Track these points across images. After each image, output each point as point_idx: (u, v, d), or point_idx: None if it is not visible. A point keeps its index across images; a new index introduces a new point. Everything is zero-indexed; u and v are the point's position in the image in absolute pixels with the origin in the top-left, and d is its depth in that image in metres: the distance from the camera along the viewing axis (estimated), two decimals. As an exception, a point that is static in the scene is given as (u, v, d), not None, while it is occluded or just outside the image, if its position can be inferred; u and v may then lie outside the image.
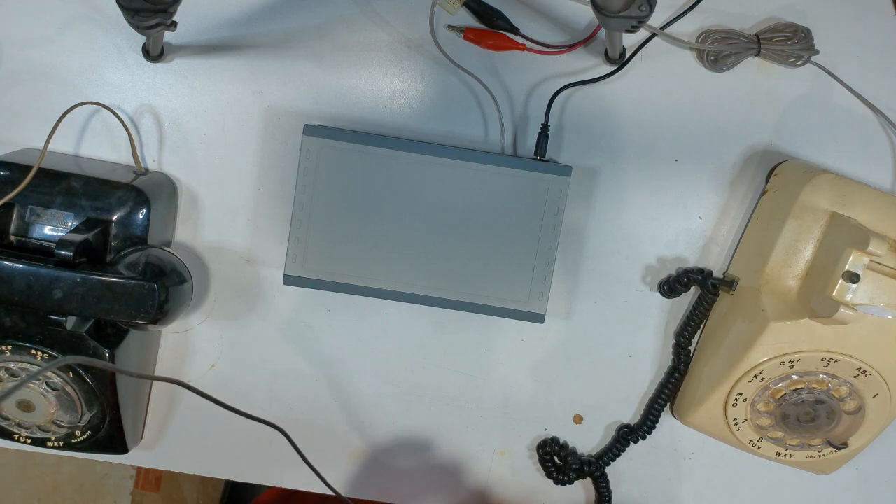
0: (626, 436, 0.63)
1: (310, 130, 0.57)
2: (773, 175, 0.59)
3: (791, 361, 0.54)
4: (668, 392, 0.62)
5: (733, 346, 0.57)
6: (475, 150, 0.59)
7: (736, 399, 0.56)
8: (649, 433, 0.63)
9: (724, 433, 0.59)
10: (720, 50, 0.58)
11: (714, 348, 0.59)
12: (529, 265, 0.58)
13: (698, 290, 0.60)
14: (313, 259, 0.58)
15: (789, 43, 0.58)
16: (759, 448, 0.59)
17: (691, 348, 0.62)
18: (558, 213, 0.58)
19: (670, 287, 0.61)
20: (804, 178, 0.55)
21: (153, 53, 0.58)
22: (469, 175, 0.57)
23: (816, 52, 0.58)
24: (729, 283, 0.59)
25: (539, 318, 0.59)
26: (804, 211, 0.54)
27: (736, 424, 0.58)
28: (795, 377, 0.55)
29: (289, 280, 0.59)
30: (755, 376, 0.55)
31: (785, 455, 0.58)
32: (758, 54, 0.58)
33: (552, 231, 0.58)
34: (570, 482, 0.62)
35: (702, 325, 0.61)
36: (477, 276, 0.59)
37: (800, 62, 0.59)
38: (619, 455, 0.63)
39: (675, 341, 0.62)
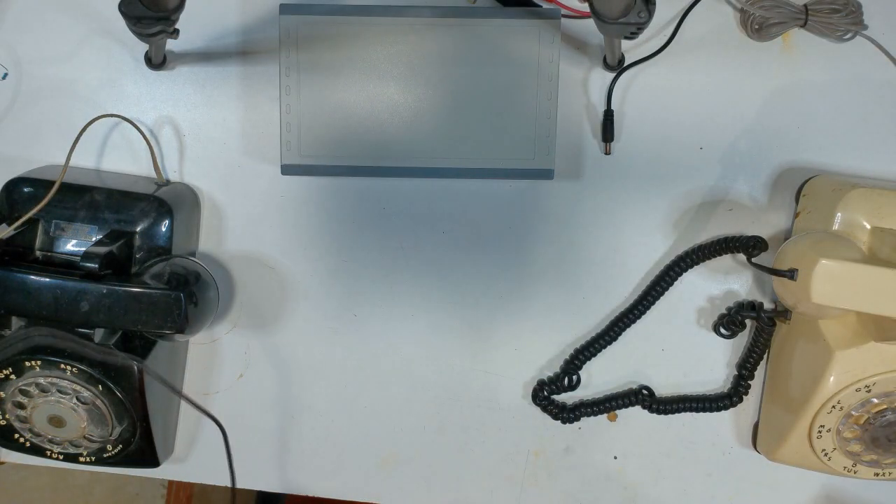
0: (644, 400, 0.61)
1: (286, 9, 0.54)
2: (802, 195, 0.58)
3: (867, 386, 0.52)
4: (705, 406, 0.61)
5: (802, 379, 0.55)
6: (458, 6, 0.56)
7: (819, 431, 0.54)
8: (663, 414, 0.61)
9: (815, 464, 0.57)
10: (766, 18, 0.56)
11: (782, 382, 0.58)
12: (531, 120, 0.55)
13: (755, 323, 0.60)
14: (309, 144, 0.56)
15: (837, 16, 0.56)
16: (855, 472, 0.56)
17: (751, 382, 0.60)
18: (553, 60, 0.55)
19: (725, 327, 0.60)
20: (835, 198, 0.54)
21: (155, 61, 0.58)
22: (455, 34, 0.55)
23: (865, 28, 0.57)
24: (784, 314, 0.57)
25: (548, 175, 0.57)
26: (843, 232, 0.53)
27: (825, 455, 0.55)
28: (876, 400, 0.53)
29: (287, 169, 0.56)
30: (833, 406, 0.53)
31: (884, 474, 0.56)
32: (804, 25, 0.57)
33: (549, 81, 0.55)
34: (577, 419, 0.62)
35: (764, 356, 0.60)
36: (479, 140, 0.56)
37: (847, 36, 0.57)
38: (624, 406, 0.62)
39: (736, 373, 0.61)
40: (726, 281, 0.61)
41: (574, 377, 0.62)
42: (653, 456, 0.63)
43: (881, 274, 0.48)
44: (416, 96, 0.56)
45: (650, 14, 0.44)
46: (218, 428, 0.55)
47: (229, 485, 0.59)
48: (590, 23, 0.53)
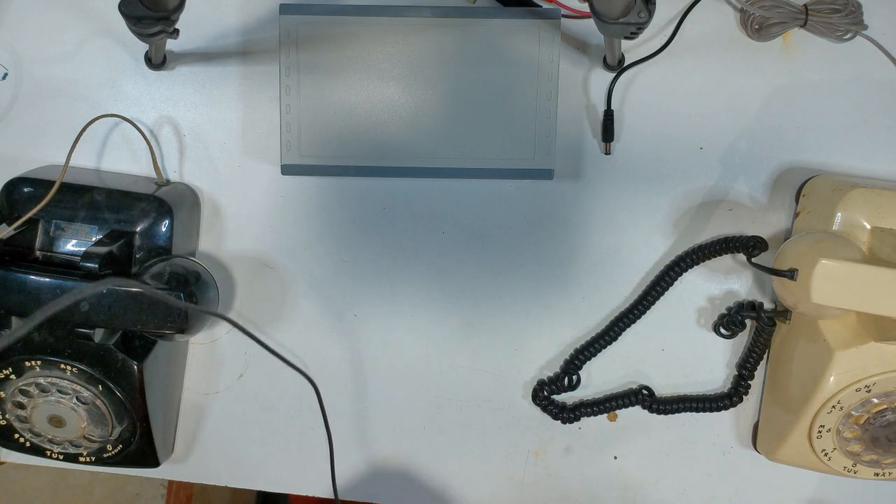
0: (644, 400, 0.61)
1: (286, 9, 0.54)
2: (802, 195, 0.58)
3: (867, 386, 0.52)
4: (705, 406, 0.61)
5: (802, 379, 0.55)
6: (458, 6, 0.56)
7: (819, 431, 0.54)
8: (663, 414, 0.61)
9: (815, 465, 0.57)
10: (766, 18, 0.57)
11: (782, 382, 0.58)
12: (531, 120, 0.55)
13: (755, 323, 0.60)
14: (309, 144, 0.56)
15: (837, 16, 0.56)
16: (855, 472, 0.56)
17: (751, 382, 0.60)
18: (553, 60, 0.55)
19: (725, 327, 0.60)
20: (835, 198, 0.54)
21: (155, 61, 0.58)
22: (455, 34, 0.55)
23: (865, 28, 0.57)
24: (784, 314, 0.57)
25: (548, 175, 0.57)
26: (843, 232, 0.53)
27: (825, 455, 0.55)
28: (876, 400, 0.53)
29: (287, 169, 0.56)
30: (833, 406, 0.53)
31: (884, 474, 0.56)
32: (804, 25, 0.57)
33: (549, 81, 0.55)
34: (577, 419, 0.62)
35: (764, 356, 0.60)
36: (479, 140, 0.56)
37: (847, 36, 0.57)
38: (624, 406, 0.62)
39: (736, 373, 0.61)
40: (726, 281, 0.61)
41: (574, 377, 0.62)
42: (653, 456, 0.63)
43: (881, 274, 0.48)
44: (416, 96, 0.56)
45: (650, 14, 0.44)
46: (310, 384, 0.54)
47: (327, 441, 0.57)
48: (590, 23, 0.53)
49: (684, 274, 0.60)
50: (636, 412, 0.62)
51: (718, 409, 0.61)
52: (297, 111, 0.55)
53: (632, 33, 0.46)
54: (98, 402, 0.55)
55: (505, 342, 0.62)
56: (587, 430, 0.63)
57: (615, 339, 0.61)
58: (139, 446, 0.58)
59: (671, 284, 0.60)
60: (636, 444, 0.63)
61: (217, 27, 0.59)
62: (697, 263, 0.59)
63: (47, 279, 0.50)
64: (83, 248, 0.54)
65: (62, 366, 0.54)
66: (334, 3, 0.56)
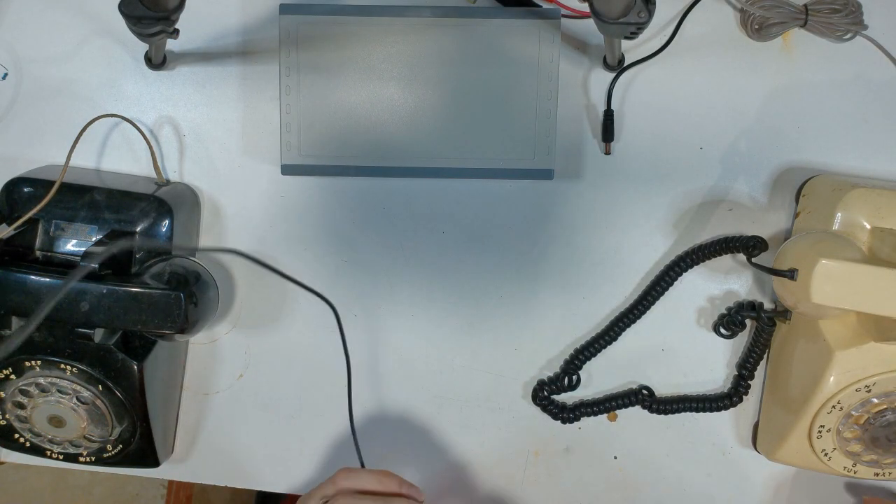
0: (644, 400, 0.61)
1: (286, 9, 0.55)
2: (802, 195, 0.58)
3: (867, 386, 0.52)
4: (705, 406, 0.61)
5: (802, 379, 0.55)
6: (458, 6, 0.56)
7: (819, 431, 0.54)
8: (663, 414, 0.61)
9: (815, 464, 0.56)
10: (766, 18, 0.57)
11: (782, 382, 0.58)
12: (531, 120, 0.56)
13: (755, 323, 0.60)
14: (309, 144, 0.56)
15: (837, 16, 0.56)
16: (855, 472, 0.56)
17: (752, 382, 0.60)
18: (553, 60, 0.55)
19: (725, 327, 0.60)
20: (835, 198, 0.54)
21: (155, 61, 0.58)
22: (455, 34, 0.55)
23: (865, 28, 0.57)
24: (784, 314, 0.57)
25: (548, 175, 0.57)
26: (843, 232, 0.53)
27: (825, 455, 0.55)
28: (876, 400, 0.53)
29: (287, 169, 0.56)
30: (833, 406, 0.53)
31: (884, 474, 0.56)
32: (804, 25, 0.57)
33: (549, 81, 0.55)
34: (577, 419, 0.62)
35: (764, 356, 0.60)
36: (479, 140, 0.56)
37: (847, 36, 0.57)
38: (623, 406, 0.62)
39: (736, 373, 0.61)
40: (726, 281, 0.61)
41: (574, 377, 0.62)
42: (653, 456, 0.63)
43: (881, 274, 0.48)
44: (416, 96, 0.56)
45: (650, 14, 0.44)
46: (330, 308, 0.54)
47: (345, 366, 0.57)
48: (590, 23, 0.53)
49: (684, 274, 0.60)
50: (636, 412, 0.62)
51: (718, 409, 0.61)
52: (297, 111, 0.55)
53: (632, 33, 0.46)
54: (98, 402, 0.55)
55: (505, 342, 0.62)
56: (587, 430, 0.63)
57: (615, 339, 0.61)
58: (139, 446, 0.58)
59: (671, 284, 0.60)
60: (636, 444, 0.63)
61: (217, 27, 0.59)
62: (697, 263, 0.60)
63: (47, 279, 0.50)
64: (83, 248, 0.54)
65: (62, 366, 0.54)
66: (334, 3, 0.56)
